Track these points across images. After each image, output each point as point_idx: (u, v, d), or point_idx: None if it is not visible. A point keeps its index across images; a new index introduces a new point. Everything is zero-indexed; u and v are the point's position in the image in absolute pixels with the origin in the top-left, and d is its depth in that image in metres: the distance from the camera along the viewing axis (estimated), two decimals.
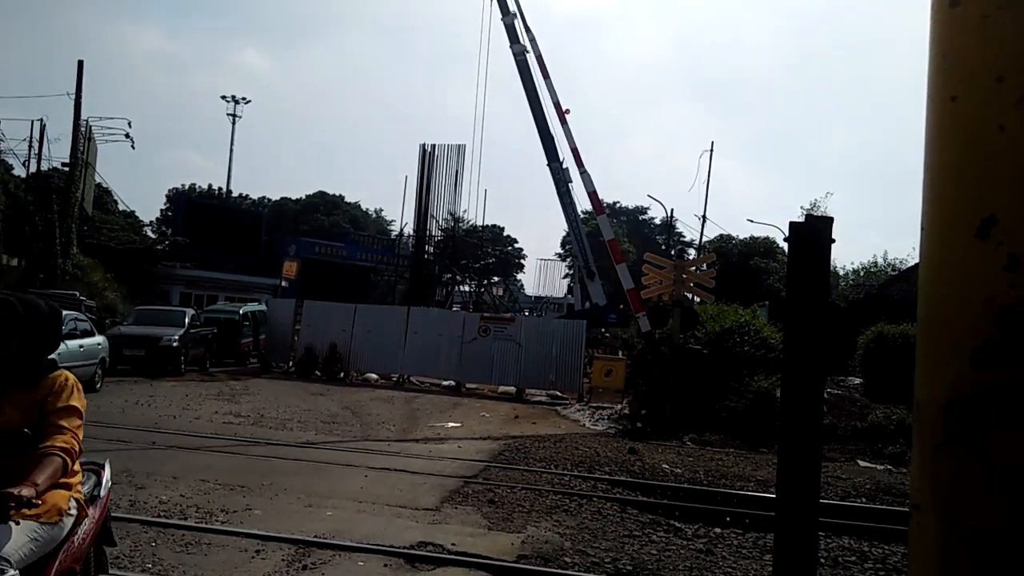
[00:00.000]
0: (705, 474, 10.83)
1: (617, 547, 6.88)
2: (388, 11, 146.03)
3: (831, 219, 3.70)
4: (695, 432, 14.53)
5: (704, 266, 19.18)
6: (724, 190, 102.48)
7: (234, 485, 8.02)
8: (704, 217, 45.28)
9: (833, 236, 3.69)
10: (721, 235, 48.95)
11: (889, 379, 15.45)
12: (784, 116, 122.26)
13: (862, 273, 43.42)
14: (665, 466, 11.24)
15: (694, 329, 16.34)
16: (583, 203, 28.01)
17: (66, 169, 33.93)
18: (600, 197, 27.08)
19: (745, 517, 8.35)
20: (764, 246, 44.71)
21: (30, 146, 34.01)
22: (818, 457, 3.64)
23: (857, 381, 18.40)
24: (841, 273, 43.50)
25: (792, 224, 3.70)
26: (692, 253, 54.59)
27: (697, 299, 18.91)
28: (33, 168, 34.54)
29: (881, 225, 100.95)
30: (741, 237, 47.98)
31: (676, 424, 14.83)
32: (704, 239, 46.09)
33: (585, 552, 6.59)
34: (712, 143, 75.61)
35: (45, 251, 30.86)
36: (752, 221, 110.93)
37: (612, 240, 25.68)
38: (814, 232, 3.63)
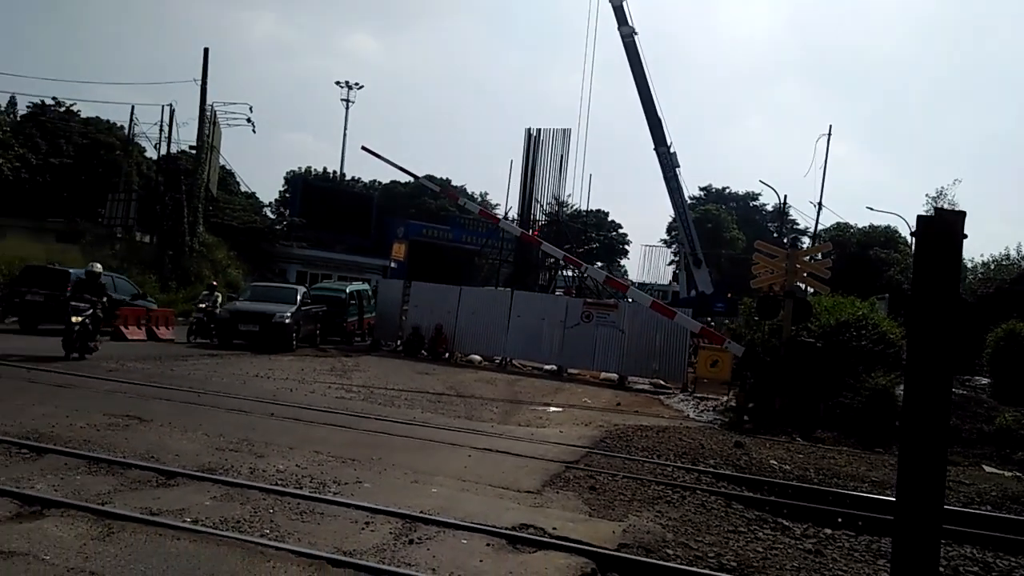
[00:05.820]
0: (816, 472, 10.48)
1: (721, 542, 6.76)
2: None
3: (963, 213, 3.51)
4: (806, 428, 14.06)
5: (819, 256, 18.42)
6: (841, 175, 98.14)
7: (345, 458, 8.36)
8: (820, 204, 43.67)
9: (965, 231, 3.50)
10: (838, 223, 46.91)
11: (1020, 380, 14.51)
12: (907, 95, 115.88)
13: (992, 266, 40.58)
14: (773, 462, 10.94)
15: (807, 321, 15.78)
16: (690, 188, 27.97)
17: (193, 152, 35.95)
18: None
19: (858, 519, 8.05)
20: (885, 235, 42.55)
21: (160, 130, 36.18)
22: (943, 460, 3.48)
23: (984, 381, 17.38)
24: (969, 266, 40.83)
25: (920, 218, 3.53)
26: (806, 242, 52.64)
27: (811, 290, 18.24)
28: (163, 151, 36.74)
29: (1014, 214, 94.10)
30: (860, 226, 45.82)
31: (785, 419, 14.39)
32: (819, 227, 44.36)
33: (688, 545, 6.51)
34: (830, 126, 72.42)
35: (174, 229, 32.88)
36: (872, 209, 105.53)
37: (608, 279, 27.81)
38: (944, 227, 3.45)
